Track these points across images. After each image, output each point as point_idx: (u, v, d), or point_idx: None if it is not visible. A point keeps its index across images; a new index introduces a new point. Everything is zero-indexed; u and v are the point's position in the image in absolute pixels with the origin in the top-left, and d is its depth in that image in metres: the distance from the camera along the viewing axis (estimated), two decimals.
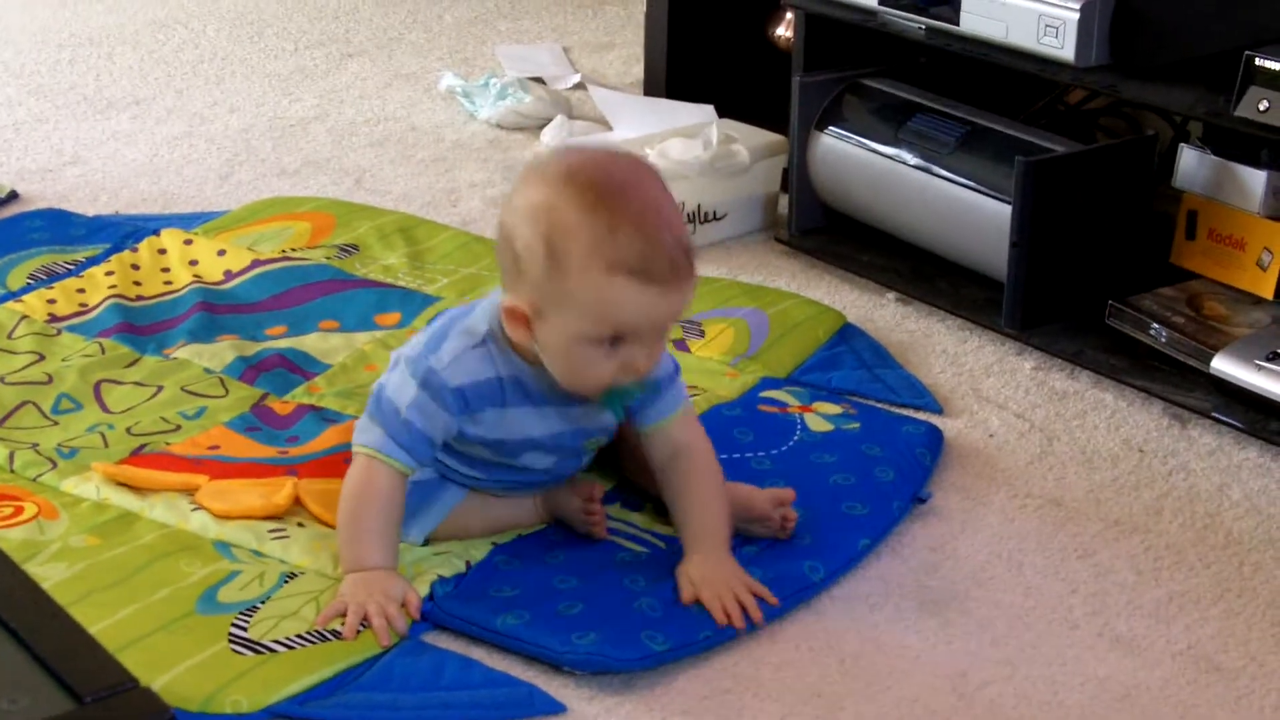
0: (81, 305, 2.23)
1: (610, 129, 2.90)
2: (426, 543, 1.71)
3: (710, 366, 2.09)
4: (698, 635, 1.58)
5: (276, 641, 1.54)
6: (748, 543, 1.72)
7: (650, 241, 1.52)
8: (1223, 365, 2.00)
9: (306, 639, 1.55)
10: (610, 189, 1.54)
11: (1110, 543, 1.78)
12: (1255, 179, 2.10)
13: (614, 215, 1.52)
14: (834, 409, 2.00)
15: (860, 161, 2.40)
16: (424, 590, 1.62)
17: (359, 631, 1.55)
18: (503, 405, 1.64)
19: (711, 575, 1.63)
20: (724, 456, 1.85)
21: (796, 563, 1.69)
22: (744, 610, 1.60)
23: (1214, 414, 1.99)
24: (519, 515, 1.75)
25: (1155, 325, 2.10)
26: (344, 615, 1.57)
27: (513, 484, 1.73)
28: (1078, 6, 2.07)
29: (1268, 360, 1.97)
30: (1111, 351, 2.13)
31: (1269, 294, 2.12)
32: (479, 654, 1.56)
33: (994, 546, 1.77)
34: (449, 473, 1.71)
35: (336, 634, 1.56)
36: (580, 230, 1.52)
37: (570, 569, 1.68)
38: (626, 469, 1.83)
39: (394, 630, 1.56)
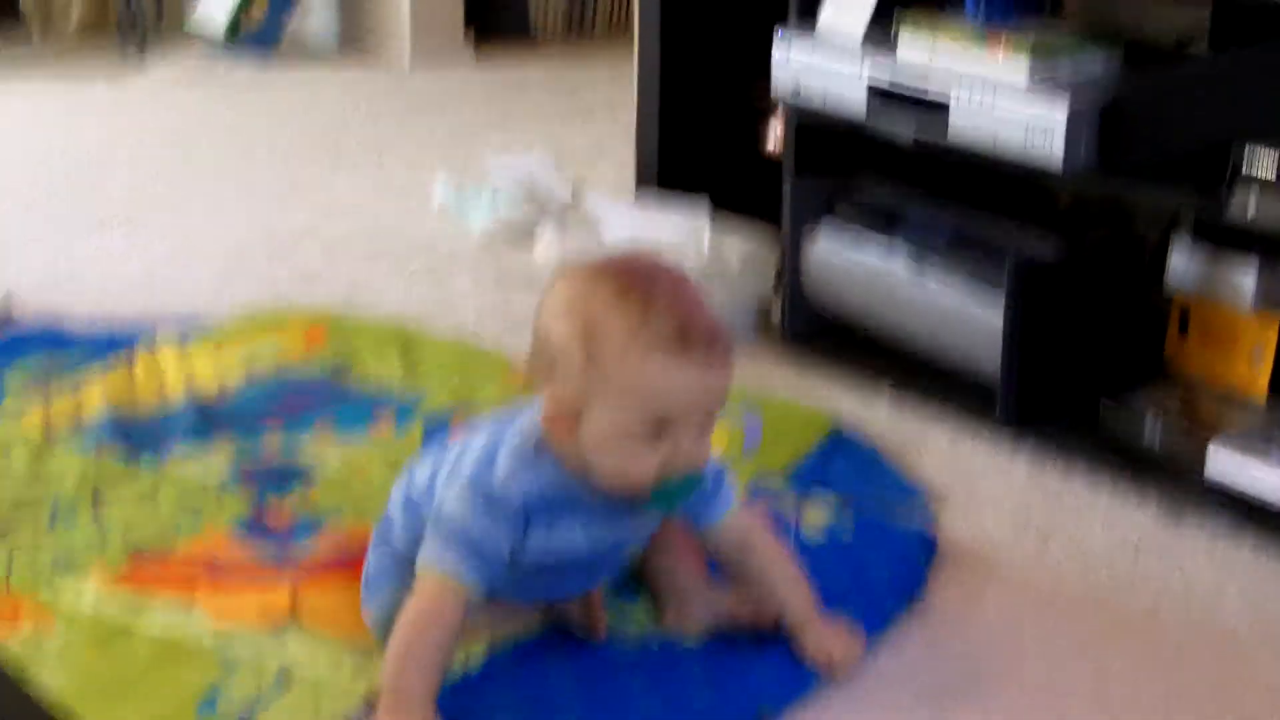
0: (77, 418, 2.24)
1: (602, 236, 2.92)
2: None
3: None
4: None
5: None
6: (740, 643, 1.73)
7: (684, 318, 1.54)
8: (1216, 464, 2.00)
9: None
10: (638, 277, 1.56)
11: (1108, 641, 1.77)
12: (1246, 276, 2.12)
13: (646, 299, 1.53)
14: (826, 512, 2.00)
15: (851, 264, 2.42)
16: None
17: None
18: (550, 525, 1.62)
19: (833, 638, 1.71)
20: None
21: (797, 666, 1.69)
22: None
23: (1209, 513, 1.99)
24: (516, 614, 1.74)
25: (1149, 424, 2.11)
26: None
27: (544, 600, 1.73)
28: (1064, 113, 2.09)
29: (1260, 458, 1.97)
30: (1106, 450, 2.13)
31: (1261, 391, 2.13)
32: None
33: (991, 645, 1.76)
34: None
35: None
36: (614, 316, 1.53)
37: (568, 674, 1.67)
38: None
39: None
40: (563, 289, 1.58)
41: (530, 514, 1.60)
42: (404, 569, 1.67)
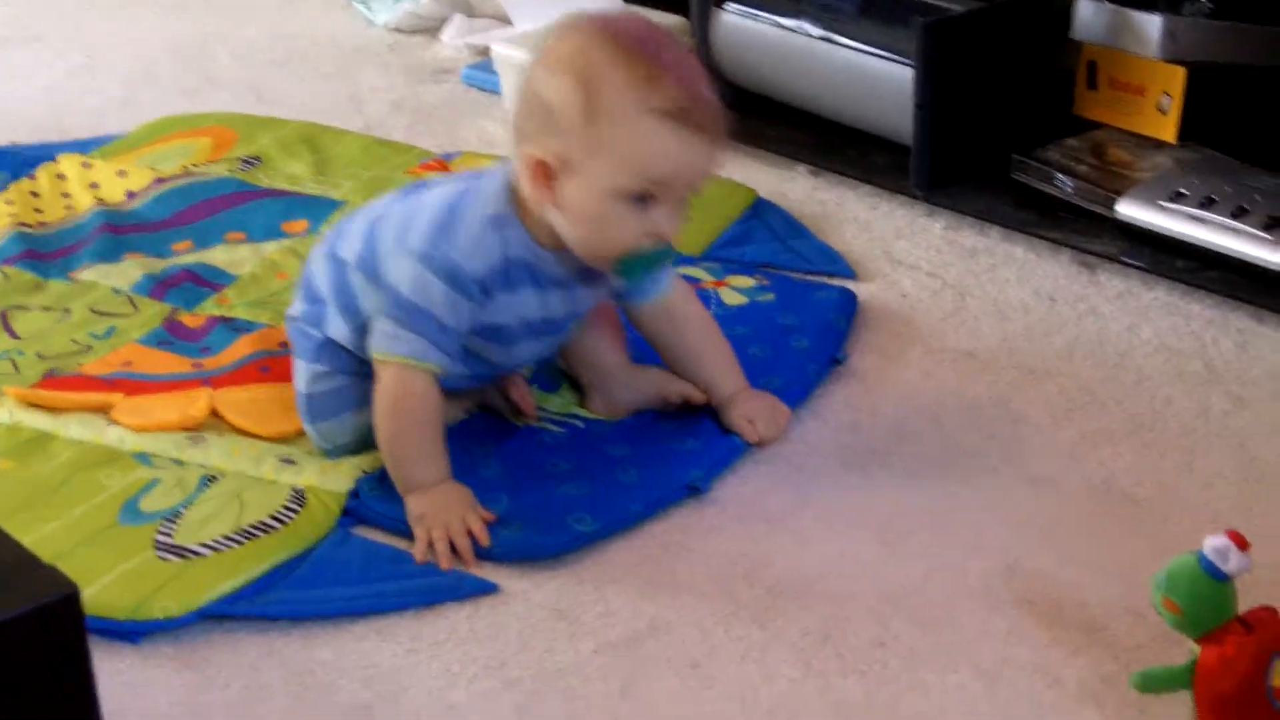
0: None
1: (511, 24, 2.88)
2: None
3: None
4: (626, 511, 1.59)
5: (202, 545, 1.53)
6: (666, 417, 1.74)
7: (691, 90, 1.49)
8: (1127, 209, 2.01)
9: (232, 540, 1.54)
10: (647, 39, 1.51)
11: (1024, 389, 1.80)
12: (1151, 24, 2.11)
13: (655, 63, 1.48)
14: (748, 281, 2.00)
15: (762, 36, 2.39)
16: (348, 485, 1.62)
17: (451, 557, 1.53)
18: (510, 289, 1.58)
19: (759, 407, 1.71)
20: None
21: (724, 437, 1.70)
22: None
23: (1121, 258, 2.00)
24: (450, 405, 1.70)
25: (1060, 175, 2.11)
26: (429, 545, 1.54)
27: (487, 377, 1.71)
28: None
29: (1171, 201, 1.98)
30: (1019, 205, 2.14)
31: (1170, 137, 2.14)
32: (407, 545, 1.56)
33: (912, 401, 1.78)
34: None
35: (265, 529, 1.56)
36: (622, 74, 1.48)
37: (493, 456, 1.68)
38: None
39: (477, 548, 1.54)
40: (566, 42, 1.52)
41: (490, 285, 1.57)
42: (357, 389, 1.64)
